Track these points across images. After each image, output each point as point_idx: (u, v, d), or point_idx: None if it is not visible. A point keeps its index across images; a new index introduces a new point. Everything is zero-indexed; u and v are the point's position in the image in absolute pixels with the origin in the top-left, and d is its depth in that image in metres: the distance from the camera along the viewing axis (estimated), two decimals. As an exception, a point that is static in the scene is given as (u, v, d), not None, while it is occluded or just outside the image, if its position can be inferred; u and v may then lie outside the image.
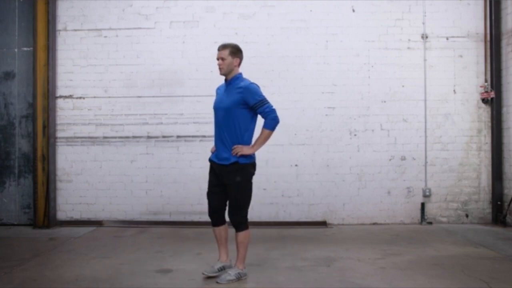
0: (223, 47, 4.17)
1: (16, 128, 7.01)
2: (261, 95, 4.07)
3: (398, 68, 6.97)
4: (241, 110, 4.05)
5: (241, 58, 4.24)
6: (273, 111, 4.05)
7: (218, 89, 4.40)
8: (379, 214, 6.91)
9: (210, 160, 4.28)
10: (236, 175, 4.06)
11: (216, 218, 4.27)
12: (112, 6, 7.06)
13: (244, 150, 4.03)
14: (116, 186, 7.00)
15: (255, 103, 4.02)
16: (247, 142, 4.12)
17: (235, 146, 4.04)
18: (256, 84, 4.16)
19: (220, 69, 4.16)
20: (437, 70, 6.97)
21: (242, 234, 4.10)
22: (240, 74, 4.23)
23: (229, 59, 4.13)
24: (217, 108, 4.22)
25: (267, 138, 4.08)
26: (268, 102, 4.07)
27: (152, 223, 6.87)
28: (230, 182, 4.08)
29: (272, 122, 4.04)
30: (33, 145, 6.82)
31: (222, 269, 4.25)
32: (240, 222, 4.09)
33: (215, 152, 4.22)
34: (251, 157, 4.12)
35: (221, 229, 4.30)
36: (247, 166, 4.10)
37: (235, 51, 4.18)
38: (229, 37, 6.93)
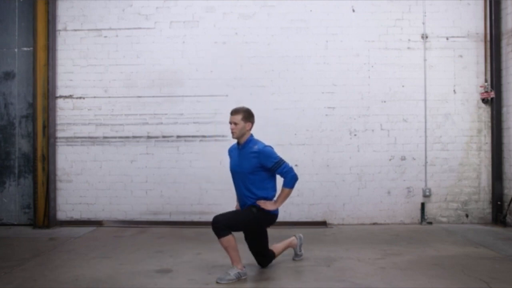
0: (235, 112, 4.28)
1: (16, 128, 7.01)
2: (276, 157, 4.22)
3: (398, 68, 6.97)
4: (259, 172, 4.23)
5: (253, 122, 4.36)
6: (291, 169, 4.22)
7: (230, 151, 4.54)
8: (379, 214, 6.91)
9: None
10: (254, 207, 4.23)
11: (268, 262, 4.58)
12: (112, 6, 7.06)
13: (268, 205, 4.23)
14: (116, 186, 7.00)
15: (272, 165, 4.20)
16: (269, 199, 4.30)
17: (259, 201, 4.21)
18: (270, 146, 4.30)
19: (232, 133, 4.29)
20: (437, 70, 6.97)
21: (224, 240, 4.11)
22: (252, 136, 4.35)
23: (241, 124, 4.25)
24: (234, 172, 4.37)
25: (287, 195, 4.28)
26: (284, 162, 4.23)
27: (152, 223, 6.87)
28: (246, 209, 4.27)
29: (291, 181, 4.22)
30: (33, 145, 6.82)
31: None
32: (221, 229, 4.09)
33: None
34: (274, 210, 4.30)
35: (278, 255, 4.69)
36: (268, 213, 4.27)
37: (248, 116, 4.30)
38: (229, 37, 6.96)
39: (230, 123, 4.28)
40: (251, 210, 4.23)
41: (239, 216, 4.26)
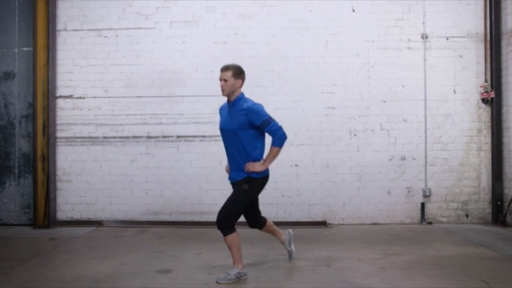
0: (225, 69, 4.23)
1: (16, 128, 7.01)
2: (265, 115, 4.16)
3: (398, 68, 6.97)
4: (248, 130, 4.15)
5: (243, 79, 4.30)
6: (280, 128, 4.14)
7: (221, 109, 4.49)
8: (379, 214, 6.91)
9: (229, 180, 4.40)
10: (245, 182, 4.19)
11: (258, 225, 4.57)
12: (112, 6, 7.06)
13: (256, 167, 4.15)
14: (116, 186, 7.00)
15: (261, 123, 4.12)
16: (258, 159, 4.22)
17: (247, 164, 4.15)
18: (260, 104, 4.25)
19: (222, 90, 4.24)
20: (437, 70, 6.97)
21: (229, 238, 4.12)
22: (242, 94, 4.28)
23: (231, 80, 4.19)
24: (223, 129, 4.32)
25: (276, 154, 4.19)
26: (273, 120, 4.15)
27: (152, 223, 6.87)
28: (238, 188, 4.22)
29: (279, 139, 4.14)
30: (33, 145, 6.82)
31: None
32: (226, 227, 4.10)
33: (230, 172, 4.36)
34: (264, 172, 4.22)
35: (267, 229, 4.63)
36: (258, 179, 4.21)
37: (238, 73, 4.24)
38: (229, 37, 6.96)
39: (220, 80, 4.23)
40: (243, 188, 4.18)
41: (235, 204, 4.17)
